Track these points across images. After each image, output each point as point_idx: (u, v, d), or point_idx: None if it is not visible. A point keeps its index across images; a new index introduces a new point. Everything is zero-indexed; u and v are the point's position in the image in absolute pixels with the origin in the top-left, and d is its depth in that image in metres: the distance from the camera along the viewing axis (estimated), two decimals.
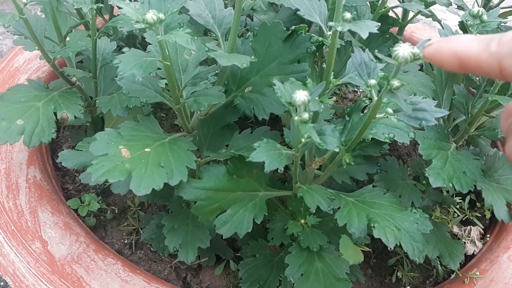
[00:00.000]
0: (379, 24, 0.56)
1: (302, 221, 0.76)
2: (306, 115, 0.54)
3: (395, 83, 0.51)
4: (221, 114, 0.82)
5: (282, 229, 0.77)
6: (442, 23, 0.96)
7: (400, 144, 1.17)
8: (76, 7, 0.74)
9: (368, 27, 0.55)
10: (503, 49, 0.31)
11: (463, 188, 0.71)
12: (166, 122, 1.18)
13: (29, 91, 0.81)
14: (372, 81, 0.56)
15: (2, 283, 1.03)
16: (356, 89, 1.37)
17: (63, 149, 1.08)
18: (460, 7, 0.96)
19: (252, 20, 1.11)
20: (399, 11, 1.08)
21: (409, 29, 1.44)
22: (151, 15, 0.55)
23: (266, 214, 0.69)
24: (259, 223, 0.68)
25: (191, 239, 0.79)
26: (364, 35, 0.53)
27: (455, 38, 0.36)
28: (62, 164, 0.75)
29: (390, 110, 0.57)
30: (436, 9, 0.98)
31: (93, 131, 0.98)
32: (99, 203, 0.96)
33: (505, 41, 0.32)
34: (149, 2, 0.60)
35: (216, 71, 0.72)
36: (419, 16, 1.04)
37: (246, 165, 0.71)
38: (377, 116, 0.58)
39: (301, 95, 0.53)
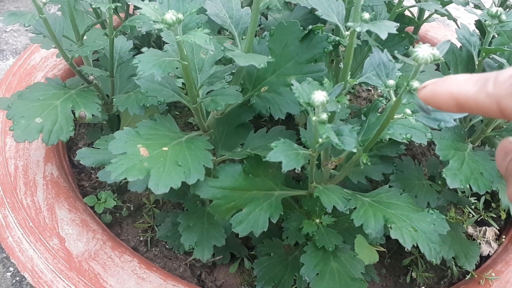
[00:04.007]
0: (398, 24, 0.56)
1: (317, 220, 0.77)
2: (324, 116, 0.55)
3: (415, 84, 0.51)
4: (236, 113, 0.82)
5: (297, 228, 0.77)
6: (458, 22, 0.96)
7: (415, 144, 1.17)
8: (94, 6, 0.74)
9: (387, 27, 0.55)
10: (500, 89, 0.30)
11: (480, 189, 0.70)
12: (180, 120, 1.19)
13: (47, 90, 0.82)
14: (391, 82, 0.56)
15: (18, 278, 1.04)
16: (370, 88, 1.36)
17: (79, 146, 1.10)
18: (477, 6, 0.95)
19: (266, 18, 1.12)
20: (414, 9, 1.07)
21: (424, 27, 1.43)
22: (170, 16, 0.55)
23: (282, 213, 0.69)
24: (274, 222, 0.68)
25: (206, 237, 0.80)
26: (383, 36, 0.53)
27: (449, 79, 0.35)
28: (80, 162, 0.76)
29: (408, 111, 0.57)
30: (449, 7, 0.98)
31: (110, 129, 0.99)
32: (115, 200, 0.97)
33: (501, 80, 0.30)
34: (168, 2, 0.60)
35: (233, 71, 0.73)
36: (434, 15, 1.04)
37: (262, 164, 0.71)
38: (395, 116, 0.58)
39: (319, 96, 0.53)
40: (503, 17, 0.75)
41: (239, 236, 0.67)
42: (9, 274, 1.04)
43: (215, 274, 0.92)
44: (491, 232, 1.02)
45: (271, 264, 0.82)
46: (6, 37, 1.73)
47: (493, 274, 0.89)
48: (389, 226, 0.63)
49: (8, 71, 1.13)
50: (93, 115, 0.79)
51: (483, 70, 0.82)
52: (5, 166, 0.92)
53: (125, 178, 0.59)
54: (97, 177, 0.96)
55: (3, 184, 0.89)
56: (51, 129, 0.76)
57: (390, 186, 0.74)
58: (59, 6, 0.95)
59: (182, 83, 0.77)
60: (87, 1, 0.76)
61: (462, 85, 0.34)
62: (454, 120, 0.58)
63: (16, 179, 0.90)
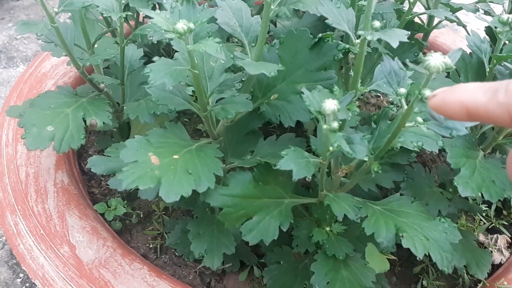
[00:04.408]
0: (409, 32, 0.56)
1: (328, 228, 0.76)
2: (335, 124, 0.54)
3: (426, 92, 0.50)
4: (246, 120, 0.82)
5: (307, 236, 0.77)
6: (468, 28, 0.95)
7: (425, 151, 1.16)
8: (105, 15, 0.75)
9: (397, 35, 0.55)
10: (511, 98, 0.30)
11: (492, 198, 0.70)
12: (189, 127, 1.20)
13: (59, 98, 0.83)
14: (402, 90, 0.56)
15: (28, 284, 1.05)
16: (379, 94, 1.36)
17: (90, 154, 1.10)
18: (487, 12, 0.95)
19: (275, 26, 1.12)
20: (423, 16, 1.07)
21: (433, 34, 1.42)
22: (181, 25, 0.55)
23: (292, 221, 0.69)
24: (285, 230, 0.68)
25: (216, 245, 0.80)
26: (395, 44, 0.53)
27: (460, 88, 0.35)
28: (91, 170, 0.76)
29: (420, 119, 0.56)
30: (458, 13, 0.97)
31: (120, 136, 0.99)
32: (125, 207, 0.97)
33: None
34: (179, 11, 0.60)
35: (242, 79, 0.73)
36: (444, 21, 1.03)
37: (272, 172, 0.71)
38: (406, 124, 0.57)
39: (330, 104, 0.53)
40: None
41: (249, 244, 0.67)
42: (19, 280, 1.05)
43: (224, 282, 0.92)
44: (502, 240, 1.01)
45: (281, 272, 0.81)
46: (17, 44, 1.75)
47: (505, 283, 0.88)
48: (400, 235, 0.63)
49: (19, 79, 1.14)
50: (104, 123, 0.80)
51: (494, 77, 0.81)
52: (17, 174, 0.92)
53: (136, 186, 0.59)
54: (107, 184, 0.97)
55: (15, 191, 0.89)
56: (62, 137, 0.77)
57: (401, 194, 0.73)
58: (70, 14, 0.95)
59: (192, 91, 0.78)
60: (98, 10, 0.76)
61: (472, 94, 0.34)
62: (466, 128, 0.57)
63: (27, 187, 0.90)
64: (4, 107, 1.08)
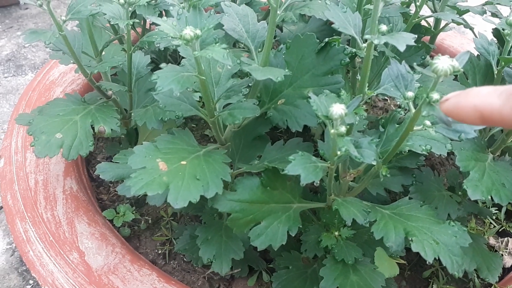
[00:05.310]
0: (416, 36, 0.56)
1: (336, 233, 0.76)
2: (343, 128, 0.54)
3: (435, 95, 0.50)
4: (253, 125, 0.82)
5: (316, 241, 0.77)
6: (475, 30, 0.95)
7: (433, 154, 1.16)
8: (112, 22, 0.76)
9: (404, 39, 0.55)
10: None
11: (502, 201, 0.69)
12: (196, 132, 1.20)
13: (67, 105, 0.83)
14: (410, 94, 0.55)
15: None
16: (386, 98, 1.36)
17: (98, 160, 1.11)
18: (494, 14, 0.94)
19: (281, 31, 1.12)
20: (430, 19, 1.07)
21: (440, 36, 1.41)
22: (188, 32, 0.56)
23: (300, 226, 0.69)
24: (293, 235, 0.68)
25: (225, 251, 0.80)
26: (402, 48, 0.53)
27: (473, 92, 0.35)
28: (100, 176, 0.77)
29: (428, 123, 0.56)
30: (465, 15, 0.97)
31: (128, 142, 1.00)
32: (133, 213, 0.97)
33: None
34: (185, 18, 0.61)
35: (249, 84, 0.73)
36: (450, 24, 1.03)
37: (279, 177, 0.71)
38: (414, 128, 0.57)
39: (338, 109, 0.53)
40: None
41: (258, 249, 0.67)
42: (29, 287, 1.05)
43: (233, 287, 0.91)
44: None
45: (290, 277, 0.81)
46: (25, 52, 1.77)
47: None
48: (410, 239, 0.62)
49: (28, 87, 1.15)
50: (112, 130, 0.80)
51: (503, 80, 0.81)
52: (26, 181, 0.93)
53: (144, 192, 0.59)
54: (116, 191, 0.97)
55: (24, 198, 0.90)
56: (71, 145, 0.77)
57: (410, 198, 0.73)
58: (77, 22, 0.96)
59: (199, 97, 0.78)
60: (105, 17, 0.77)
61: (485, 98, 0.34)
62: (474, 131, 0.57)
63: (36, 194, 0.91)
64: (13, 115, 1.09)
